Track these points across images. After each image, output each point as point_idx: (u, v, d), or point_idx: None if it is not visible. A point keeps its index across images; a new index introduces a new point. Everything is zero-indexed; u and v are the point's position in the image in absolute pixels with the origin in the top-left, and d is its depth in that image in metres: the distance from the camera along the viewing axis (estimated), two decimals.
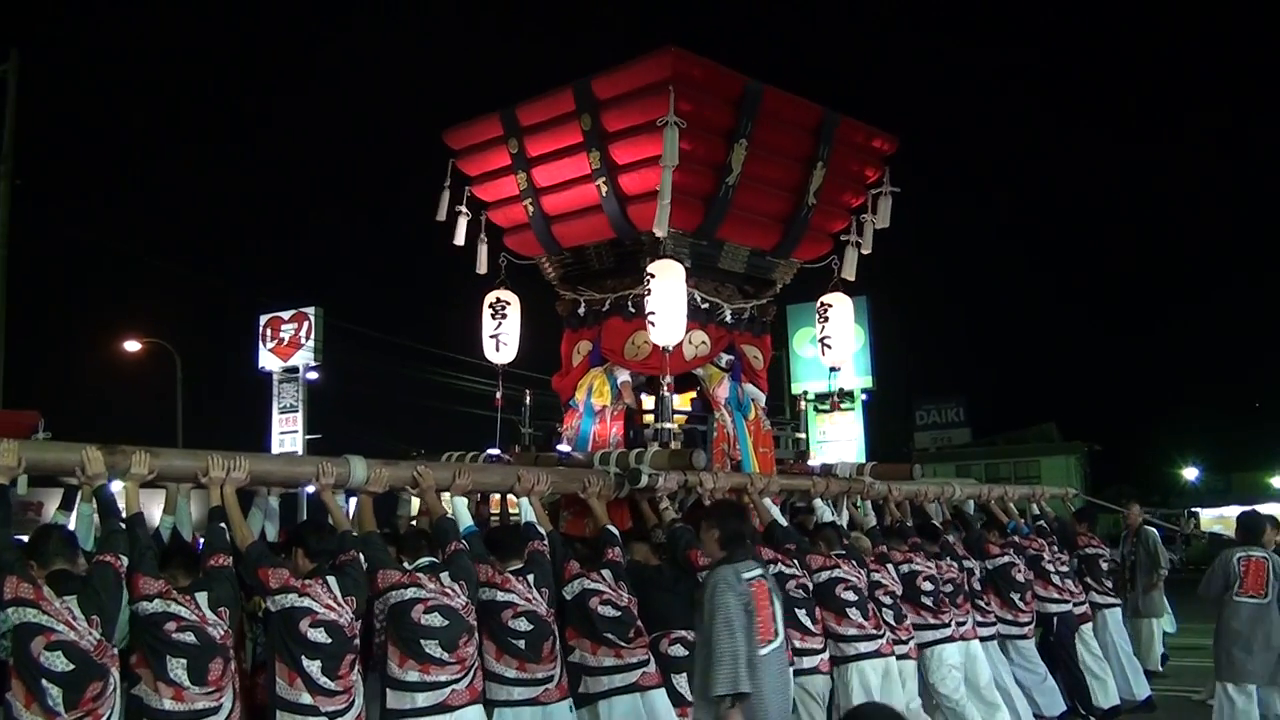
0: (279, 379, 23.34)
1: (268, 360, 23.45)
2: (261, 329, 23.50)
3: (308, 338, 23.07)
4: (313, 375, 23.39)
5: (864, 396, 23.35)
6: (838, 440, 22.87)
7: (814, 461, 9.01)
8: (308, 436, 22.90)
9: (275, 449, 22.79)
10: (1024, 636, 7.74)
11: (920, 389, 40.14)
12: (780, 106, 7.40)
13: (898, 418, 36.94)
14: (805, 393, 21.43)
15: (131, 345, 25.05)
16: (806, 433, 22.46)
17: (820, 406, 22.79)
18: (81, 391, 34.53)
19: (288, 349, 23.24)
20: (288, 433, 23.17)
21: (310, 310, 23.25)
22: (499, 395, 8.51)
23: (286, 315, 23.41)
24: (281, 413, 23.32)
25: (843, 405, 23.00)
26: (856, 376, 22.99)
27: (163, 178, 62.79)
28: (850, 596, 6.04)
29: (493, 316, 8.44)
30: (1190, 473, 41.11)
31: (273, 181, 64.01)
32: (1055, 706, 7.64)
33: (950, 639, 6.76)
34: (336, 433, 23.61)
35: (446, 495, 5.63)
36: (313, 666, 4.32)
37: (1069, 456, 34.67)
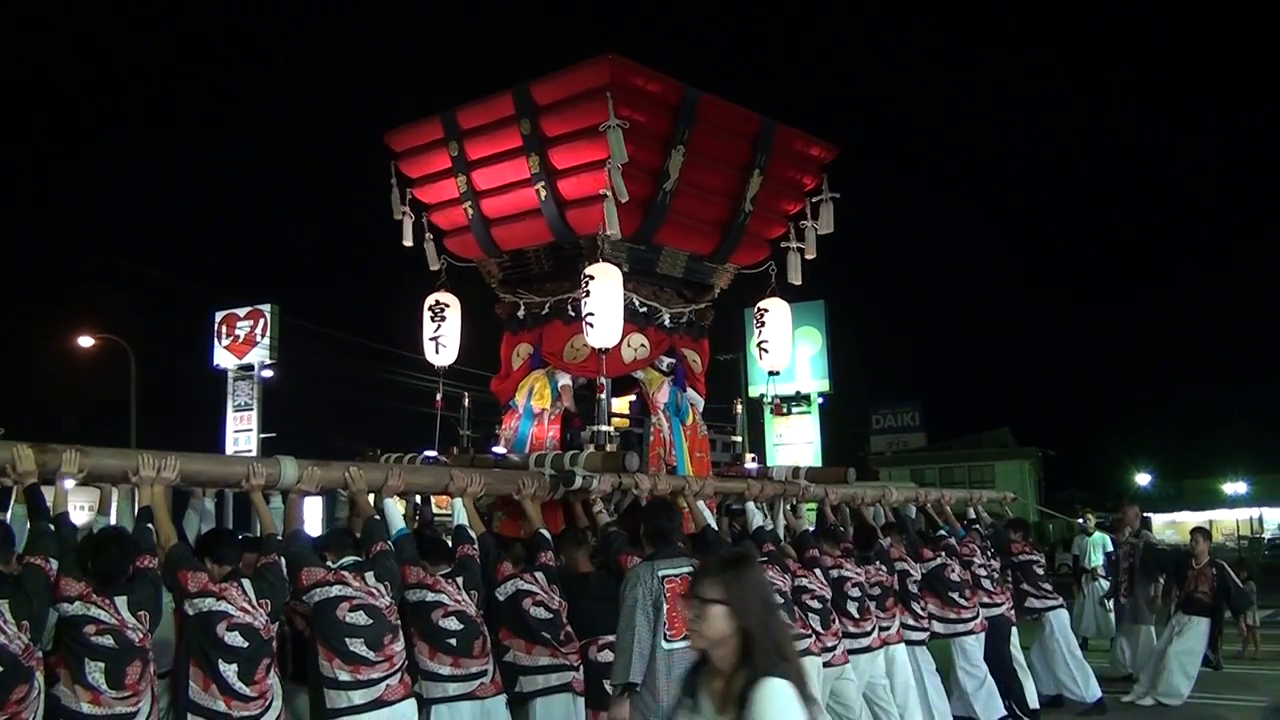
0: (234, 376, 23.13)
1: (222, 357, 23.21)
2: (216, 326, 23.28)
3: (263, 335, 22.86)
4: (268, 373, 23.19)
5: (820, 400, 23.50)
6: (794, 443, 23.00)
7: (752, 464, 9.06)
8: (262, 435, 22.70)
9: (229, 447, 22.60)
10: (970, 633, 7.80)
11: (877, 393, 40.57)
12: (718, 114, 7.49)
13: (854, 421, 37.26)
14: (764, 395, 21.57)
15: (85, 341, 24.71)
16: (763, 435, 22.73)
17: (781, 409, 22.95)
18: (35, 387, 34.08)
19: (243, 346, 23.03)
20: (242, 431, 22.96)
21: (266, 307, 23.05)
22: (439, 397, 8.57)
23: (242, 312, 23.20)
24: (236, 410, 23.11)
25: (798, 408, 23.18)
26: (813, 380, 23.18)
27: (117, 172, 62.17)
28: None
29: (432, 319, 8.45)
30: (1142, 478, 41.74)
31: (229, 177, 63.52)
32: (993, 711, 7.70)
33: (868, 648, 6.85)
34: (291, 431, 23.49)
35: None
36: (229, 670, 4.33)
37: (1023, 461, 35.13)
